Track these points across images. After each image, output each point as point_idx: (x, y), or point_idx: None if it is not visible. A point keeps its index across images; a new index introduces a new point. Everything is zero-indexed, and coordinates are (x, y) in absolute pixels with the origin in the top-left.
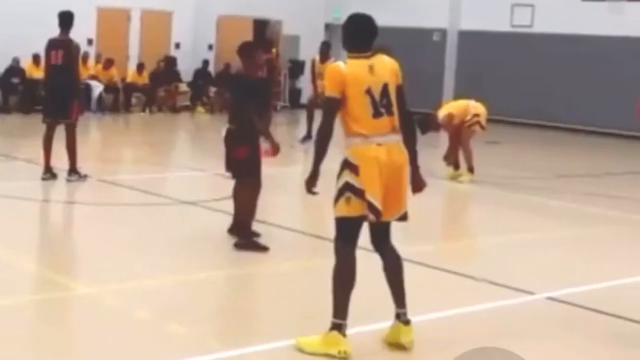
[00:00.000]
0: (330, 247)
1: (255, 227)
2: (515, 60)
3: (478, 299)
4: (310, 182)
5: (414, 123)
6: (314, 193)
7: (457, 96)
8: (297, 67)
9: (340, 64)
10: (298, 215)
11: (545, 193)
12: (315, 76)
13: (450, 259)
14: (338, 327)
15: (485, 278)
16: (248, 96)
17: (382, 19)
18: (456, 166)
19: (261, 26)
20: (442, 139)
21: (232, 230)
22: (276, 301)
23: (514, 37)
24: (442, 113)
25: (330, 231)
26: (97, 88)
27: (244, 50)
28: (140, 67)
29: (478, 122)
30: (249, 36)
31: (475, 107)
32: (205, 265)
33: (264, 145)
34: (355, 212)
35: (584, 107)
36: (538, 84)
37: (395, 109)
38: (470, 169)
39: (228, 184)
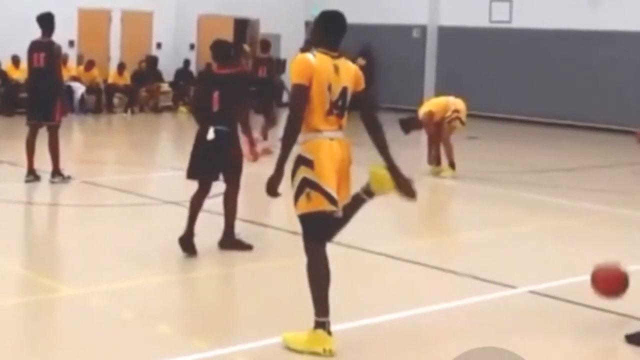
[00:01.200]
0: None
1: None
2: (494, 55)
3: (461, 294)
4: (276, 182)
5: (381, 128)
6: (276, 195)
7: (438, 92)
8: (278, 66)
9: (309, 55)
10: (283, 213)
11: (525, 187)
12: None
13: (433, 254)
14: (322, 325)
15: (468, 273)
16: (244, 95)
17: (362, 17)
18: (438, 162)
19: (242, 25)
20: (424, 136)
21: (226, 241)
22: (262, 300)
23: (493, 32)
24: (422, 111)
25: None
26: (79, 89)
27: (224, 49)
28: (121, 68)
29: (458, 118)
30: (230, 35)
31: (455, 103)
32: (190, 265)
33: (265, 143)
34: (317, 207)
35: (562, 101)
36: (517, 79)
37: (346, 113)
38: (452, 165)
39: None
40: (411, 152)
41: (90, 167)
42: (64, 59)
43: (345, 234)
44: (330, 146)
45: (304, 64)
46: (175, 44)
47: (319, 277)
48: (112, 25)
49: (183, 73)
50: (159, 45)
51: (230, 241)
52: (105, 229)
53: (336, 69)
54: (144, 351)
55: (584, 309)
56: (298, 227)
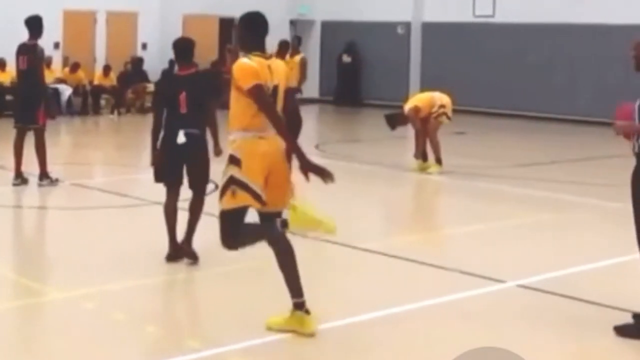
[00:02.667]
0: (303, 241)
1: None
2: (478, 50)
3: (450, 289)
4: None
5: (301, 122)
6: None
7: (423, 88)
8: None
9: (248, 60)
10: None
11: (512, 181)
12: None
13: (421, 250)
14: (298, 305)
15: (457, 268)
16: (211, 95)
17: (347, 14)
18: (424, 158)
19: (228, 25)
20: (410, 131)
21: (184, 249)
22: (254, 299)
23: (477, 27)
24: (407, 106)
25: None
26: (66, 91)
27: (186, 48)
28: (107, 69)
29: (444, 113)
30: (215, 35)
31: (440, 98)
32: (180, 266)
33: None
34: (241, 203)
35: (547, 95)
36: (501, 74)
37: (279, 108)
38: (438, 161)
39: None
40: (398, 148)
41: (78, 169)
42: (48, 62)
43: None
44: (260, 145)
45: (248, 69)
46: (161, 45)
47: (291, 263)
48: (97, 26)
49: (169, 73)
50: (144, 46)
51: (191, 251)
52: (94, 231)
53: (270, 70)
54: (137, 353)
55: (573, 302)
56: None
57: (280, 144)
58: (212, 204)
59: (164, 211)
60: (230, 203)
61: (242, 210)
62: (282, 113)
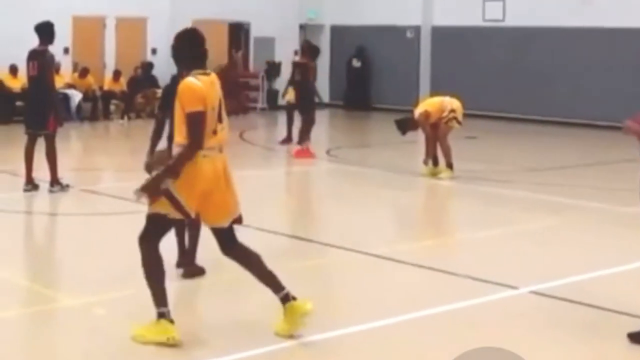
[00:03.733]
0: (313, 247)
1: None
2: (488, 54)
3: (462, 295)
4: (151, 189)
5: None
6: (157, 193)
7: (433, 92)
8: (273, 69)
9: (195, 80)
10: (278, 217)
11: (523, 186)
12: (293, 76)
13: (432, 256)
14: (163, 315)
15: (468, 274)
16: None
17: (356, 18)
18: (435, 163)
19: (236, 30)
20: (421, 136)
21: (184, 263)
22: (267, 305)
23: (487, 31)
24: (417, 111)
25: (314, 233)
26: (76, 97)
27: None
28: (116, 75)
29: (455, 118)
30: (224, 40)
31: (451, 103)
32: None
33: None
34: (166, 210)
35: (557, 99)
36: (511, 78)
37: (226, 123)
38: (449, 165)
39: None
40: (409, 153)
41: (88, 175)
42: (57, 67)
43: (342, 236)
44: (202, 163)
45: (197, 91)
46: (170, 50)
47: (154, 272)
48: (107, 32)
49: (179, 78)
50: (154, 51)
51: (195, 268)
52: (105, 237)
53: (212, 86)
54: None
55: (586, 308)
56: (297, 231)
57: (224, 162)
58: None
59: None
60: (156, 208)
61: (166, 219)
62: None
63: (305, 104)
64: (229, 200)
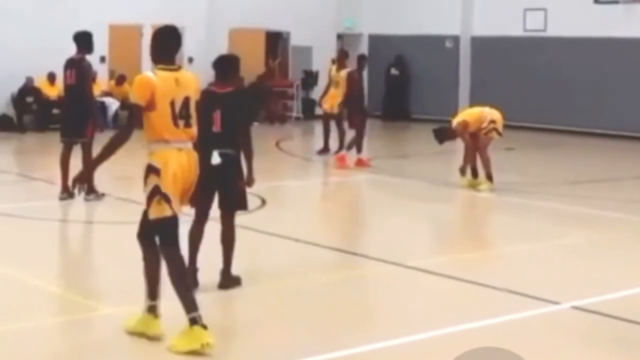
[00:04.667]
0: (350, 259)
1: (271, 243)
2: (529, 65)
3: (501, 310)
4: (86, 178)
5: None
6: (82, 184)
7: (472, 103)
8: (310, 78)
9: (150, 74)
10: (315, 228)
11: (564, 199)
12: (330, 84)
13: (471, 269)
14: (194, 320)
15: (507, 288)
16: (251, 118)
17: (395, 28)
18: (474, 174)
19: (274, 38)
20: (459, 146)
21: (227, 282)
22: (300, 316)
23: (528, 41)
24: (456, 120)
25: (351, 245)
26: (113, 105)
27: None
28: None
29: (495, 129)
30: (261, 48)
31: (490, 114)
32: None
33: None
34: (164, 214)
35: (599, 111)
36: (553, 89)
37: (192, 121)
38: (489, 177)
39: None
40: (447, 164)
41: (124, 184)
42: (94, 76)
43: (380, 248)
44: (179, 156)
45: (144, 83)
46: (207, 59)
47: (181, 277)
48: (144, 40)
49: (250, 87)
50: (190, 60)
51: (230, 283)
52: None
53: (177, 82)
54: None
55: (630, 325)
56: (336, 243)
57: (195, 155)
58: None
59: (188, 237)
60: (158, 212)
61: (171, 219)
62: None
63: (358, 114)
64: (188, 192)
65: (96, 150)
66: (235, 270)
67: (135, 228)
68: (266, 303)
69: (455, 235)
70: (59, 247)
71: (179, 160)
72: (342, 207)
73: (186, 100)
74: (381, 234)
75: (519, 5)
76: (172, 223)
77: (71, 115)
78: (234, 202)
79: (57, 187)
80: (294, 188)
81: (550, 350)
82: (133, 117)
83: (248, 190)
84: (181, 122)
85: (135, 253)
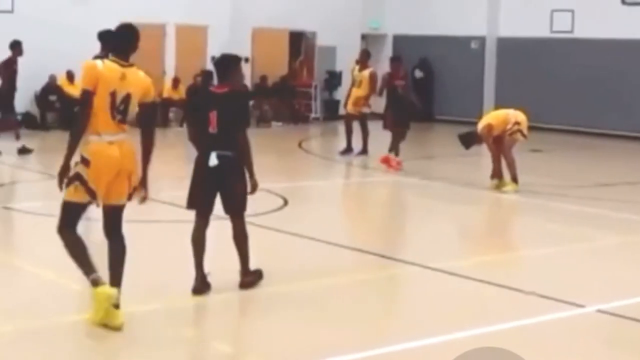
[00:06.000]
0: (374, 260)
1: (293, 243)
2: (555, 66)
3: (527, 312)
4: (60, 174)
5: (152, 140)
6: (60, 186)
7: (498, 104)
8: (333, 78)
9: (98, 61)
10: (338, 229)
11: (590, 202)
12: (353, 84)
13: (496, 271)
14: (95, 281)
15: (534, 291)
16: (245, 119)
17: (420, 29)
18: (499, 176)
19: (297, 38)
20: (484, 148)
21: (248, 279)
22: (323, 317)
23: (554, 42)
24: (480, 125)
25: (373, 245)
26: None
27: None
28: (175, 82)
29: (519, 131)
30: (285, 48)
31: (515, 115)
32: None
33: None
34: (79, 199)
35: (626, 113)
36: (579, 90)
37: (128, 118)
38: (514, 179)
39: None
40: (472, 166)
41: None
42: None
43: (405, 249)
44: (109, 149)
45: (90, 70)
46: None
47: (77, 254)
48: (167, 39)
49: (239, 88)
50: (213, 59)
51: (250, 279)
52: (162, 245)
53: (123, 77)
54: None
55: None
56: (359, 244)
57: (130, 144)
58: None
59: (191, 240)
60: (71, 196)
61: (78, 205)
62: (140, 125)
63: (403, 115)
64: (126, 184)
65: None
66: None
67: (157, 227)
68: (287, 303)
69: (480, 237)
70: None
71: (108, 153)
72: (366, 208)
73: (127, 97)
74: (405, 236)
75: (546, 6)
76: (78, 209)
77: None
78: (233, 206)
79: None
80: (316, 188)
81: (575, 353)
82: (85, 104)
83: (266, 190)
84: (118, 117)
85: (156, 250)
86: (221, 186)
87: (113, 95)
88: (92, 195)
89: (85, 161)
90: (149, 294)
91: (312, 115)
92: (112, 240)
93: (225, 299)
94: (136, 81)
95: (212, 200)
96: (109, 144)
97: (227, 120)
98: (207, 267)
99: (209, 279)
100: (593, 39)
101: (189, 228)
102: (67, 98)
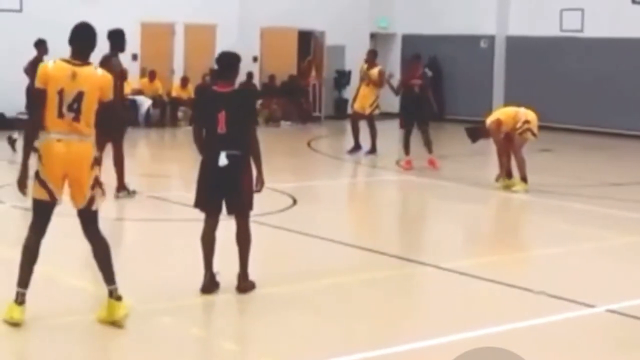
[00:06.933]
0: (383, 260)
1: (301, 242)
2: (565, 65)
3: (536, 312)
4: (21, 179)
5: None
6: (23, 191)
7: (507, 103)
8: (342, 78)
9: (49, 62)
10: (347, 228)
11: (600, 201)
12: (360, 83)
13: (506, 271)
14: (16, 295)
15: (543, 291)
16: (254, 117)
17: (429, 28)
18: (509, 175)
19: (306, 37)
20: (493, 147)
21: (245, 284)
22: (332, 316)
23: (564, 42)
24: (489, 119)
25: (383, 244)
26: (145, 103)
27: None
28: (184, 81)
29: (529, 129)
30: (293, 47)
31: (525, 114)
32: (259, 281)
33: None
34: (41, 196)
35: (637, 112)
36: (589, 90)
37: (84, 116)
38: (524, 178)
39: (277, 197)
40: (481, 165)
41: (155, 182)
42: (125, 74)
43: (413, 249)
44: (56, 146)
45: (41, 70)
46: None
47: (24, 262)
48: (175, 38)
49: (246, 86)
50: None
51: (248, 284)
52: (171, 244)
53: (73, 75)
54: None
55: None
56: (366, 243)
57: (81, 148)
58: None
59: (201, 240)
60: (34, 193)
61: (45, 204)
62: (97, 124)
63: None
64: (85, 185)
65: (127, 148)
66: (264, 269)
67: (166, 225)
68: (295, 302)
69: (490, 237)
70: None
71: (56, 150)
72: (375, 207)
73: (79, 95)
74: (415, 235)
75: (556, 6)
76: (43, 206)
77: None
78: (241, 204)
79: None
80: (325, 187)
81: (584, 353)
82: (37, 103)
83: (275, 189)
84: (70, 115)
85: (163, 250)
86: (229, 185)
87: (60, 93)
88: (49, 192)
89: (39, 156)
90: (157, 292)
91: (315, 114)
92: (91, 242)
93: (233, 298)
94: (90, 79)
95: (220, 200)
96: (56, 141)
97: (236, 120)
98: (216, 266)
99: (218, 278)
100: (603, 38)
101: (197, 227)
102: None
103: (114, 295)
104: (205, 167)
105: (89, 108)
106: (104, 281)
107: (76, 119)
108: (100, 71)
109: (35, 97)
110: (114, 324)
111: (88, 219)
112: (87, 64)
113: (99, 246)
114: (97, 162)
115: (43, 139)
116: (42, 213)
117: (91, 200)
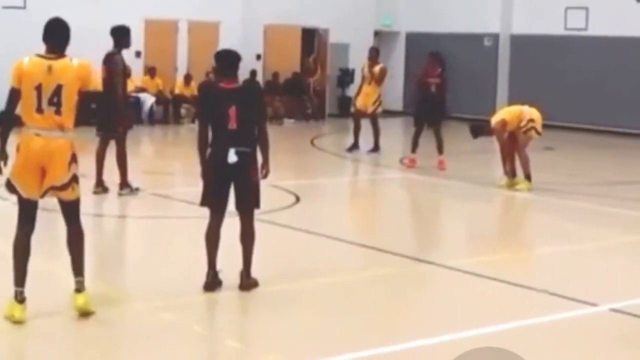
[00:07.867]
0: (386, 258)
1: (304, 240)
2: (569, 64)
3: (539, 311)
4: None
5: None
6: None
7: (511, 101)
8: (346, 75)
9: (24, 59)
10: (350, 226)
11: (604, 200)
12: (363, 81)
13: (508, 269)
14: (15, 294)
15: (546, 289)
16: (264, 112)
17: (432, 25)
18: (513, 174)
19: (310, 35)
20: (496, 146)
21: (248, 282)
22: (335, 314)
23: (568, 40)
24: (495, 119)
25: (386, 243)
26: (149, 100)
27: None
28: (187, 79)
29: (534, 128)
30: (297, 45)
31: (530, 112)
32: (262, 279)
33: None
34: (21, 194)
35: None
36: (593, 88)
37: (65, 109)
38: (528, 177)
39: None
40: (484, 163)
41: (158, 179)
42: (128, 71)
43: (416, 247)
44: (32, 141)
45: (15, 68)
46: (242, 54)
47: (17, 260)
48: (179, 35)
49: (250, 83)
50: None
51: (251, 282)
52: (174, 241)
53: (49, 69)
54: None
55: None
56: (367, 240)
57: (60, 143)
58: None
59: (205, 237)
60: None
61: (25, 200)
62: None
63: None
64: (60, 174)
65: (130, 145)
66: (266, 267)
67: (168, 223)
68: (298, 300)
69: (493, 235)
70: (91, 241)
71: (33, 145)
72: (378, 205)
73: (58, 88)
74: (418, 233)
75: (560, 4)
76: (24, 202)
77: (104, 110)
78: (249, 200)
79: (91, 182)
80: (328, 185)
81: (587, 352)
82: (11, 101)
83: (278, 187)
84: (50, 109)
85: (166, 248)
86: (236, 181)
87: (38, 89)
88: (23, 189)
89: (17, 148)
90: (160, 289)
91: (309, 112)
92: (67, 228)
93: (236, 296)
94: (67, 71)
95: (226, 197)
96: (35, 135)
97: (246, 116)
98: (218, 264)
99: (221, 275)
100: (607, 36)
101: (200, 224)
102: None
103: (76, 287)
104: (213, 163)
105: (69, 100)
106: (72, 270)
107: (57, 112)
108: (76, 61)
109: (9, 95)
110: (84, 315)
111: (68, 208)
112: (62, 57)
113: (72, 233)
114: (74, 159)
115: (22, 132)
116: (25, 208)
117: (68, 186)
